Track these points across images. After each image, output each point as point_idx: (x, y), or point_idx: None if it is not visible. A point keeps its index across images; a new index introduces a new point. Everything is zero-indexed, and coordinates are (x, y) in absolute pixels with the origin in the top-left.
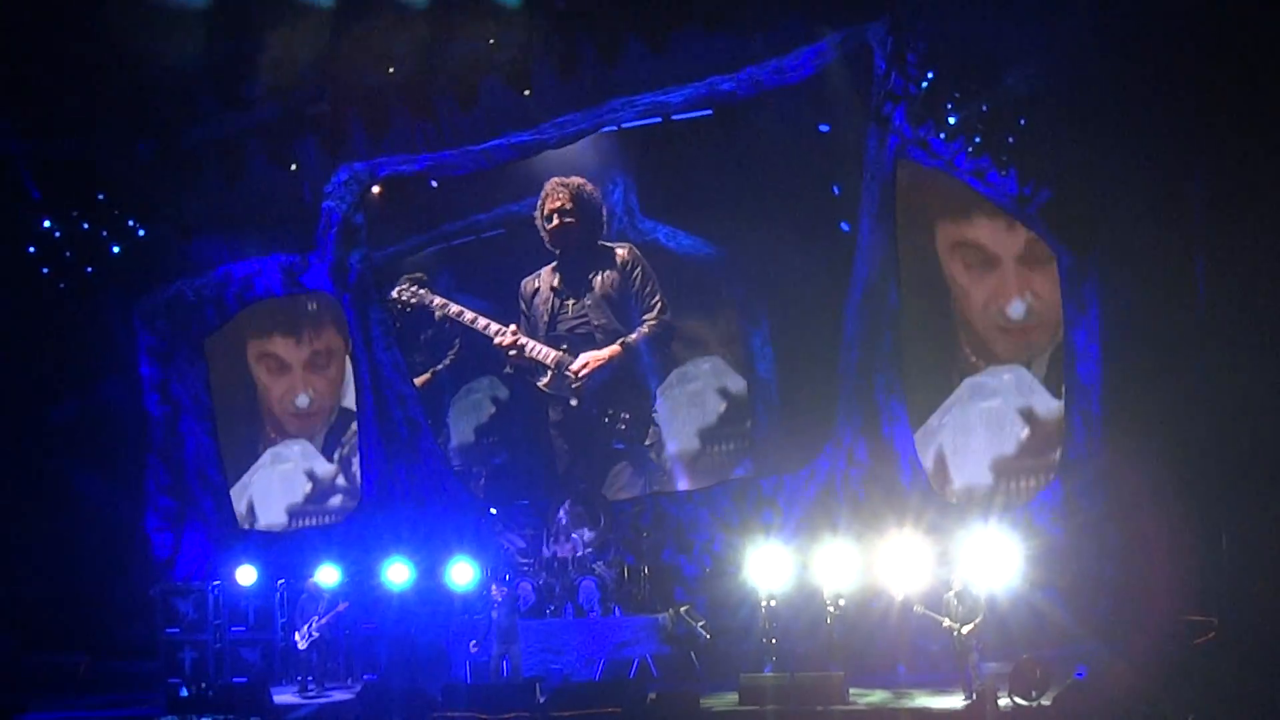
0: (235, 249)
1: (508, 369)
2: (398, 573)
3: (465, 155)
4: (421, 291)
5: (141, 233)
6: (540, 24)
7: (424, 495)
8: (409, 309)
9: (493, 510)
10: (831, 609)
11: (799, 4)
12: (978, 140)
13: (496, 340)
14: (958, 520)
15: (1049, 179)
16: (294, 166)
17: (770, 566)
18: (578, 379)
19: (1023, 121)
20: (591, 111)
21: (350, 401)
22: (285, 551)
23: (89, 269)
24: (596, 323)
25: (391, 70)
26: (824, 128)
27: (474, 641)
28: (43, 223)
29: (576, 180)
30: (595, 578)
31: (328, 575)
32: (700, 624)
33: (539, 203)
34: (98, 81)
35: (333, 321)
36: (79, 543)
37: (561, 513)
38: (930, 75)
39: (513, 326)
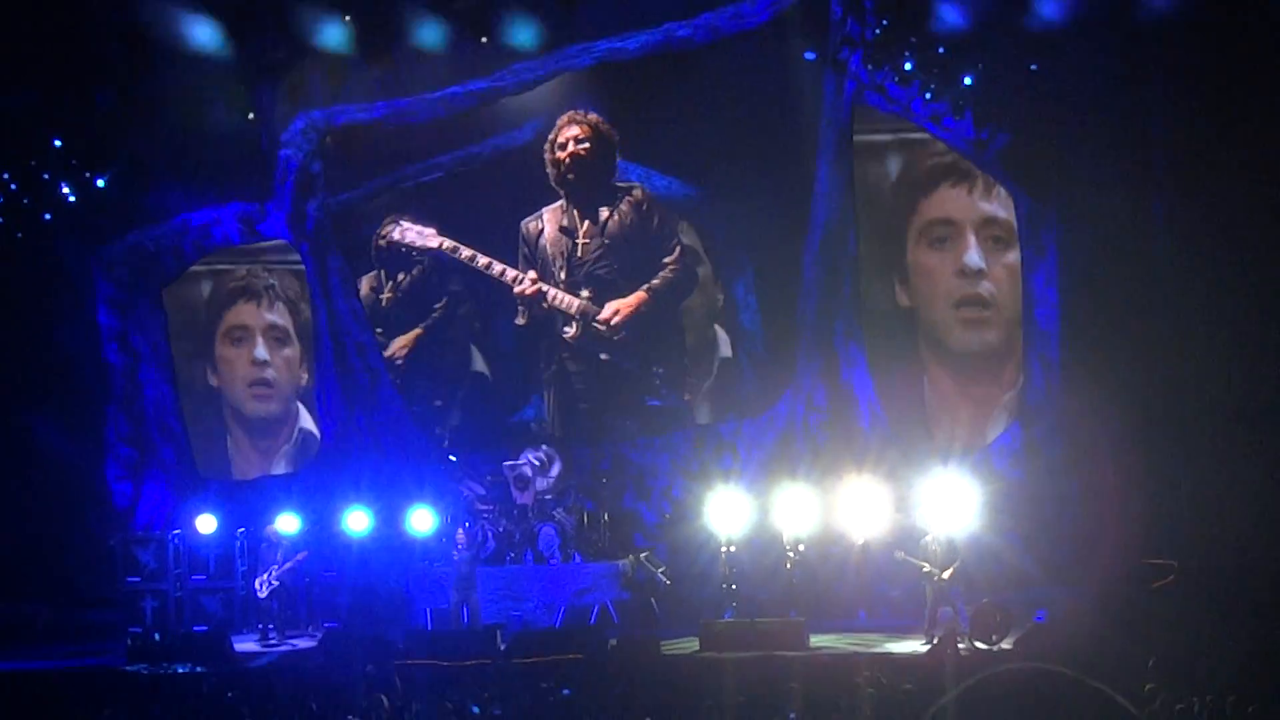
0: (193, 197)
1: (520, 320)
2: (357, 520)
3: (422, 103)
4: (428, 231)
5: (99, 182)
6: None
7: (384, 443)
8: (412, 251)
9: (453, 458)
10: (791, 554)
11: None
12: (934, 85)
13: (517, 288)
14: (917, 464)
15: (1006, 123)
16: (251, 115)
17: (730, 512)
18: (610, 329)
19: (980, 66)
20: (549, 57)
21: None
22: (245, 500)
23: (46, 216)
24: (616, 264)
25: (347, 18)
26: (810, 56)
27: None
28: (2, 174)
29: (594, 115)
30: (555, 524)
31: (287, 523)
32: (660, 570)
33: (551, 135)
34: (53, 31)
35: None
36: (38, 492)
37: (522, 459)
38: (886, 20)
39: (531, 273)
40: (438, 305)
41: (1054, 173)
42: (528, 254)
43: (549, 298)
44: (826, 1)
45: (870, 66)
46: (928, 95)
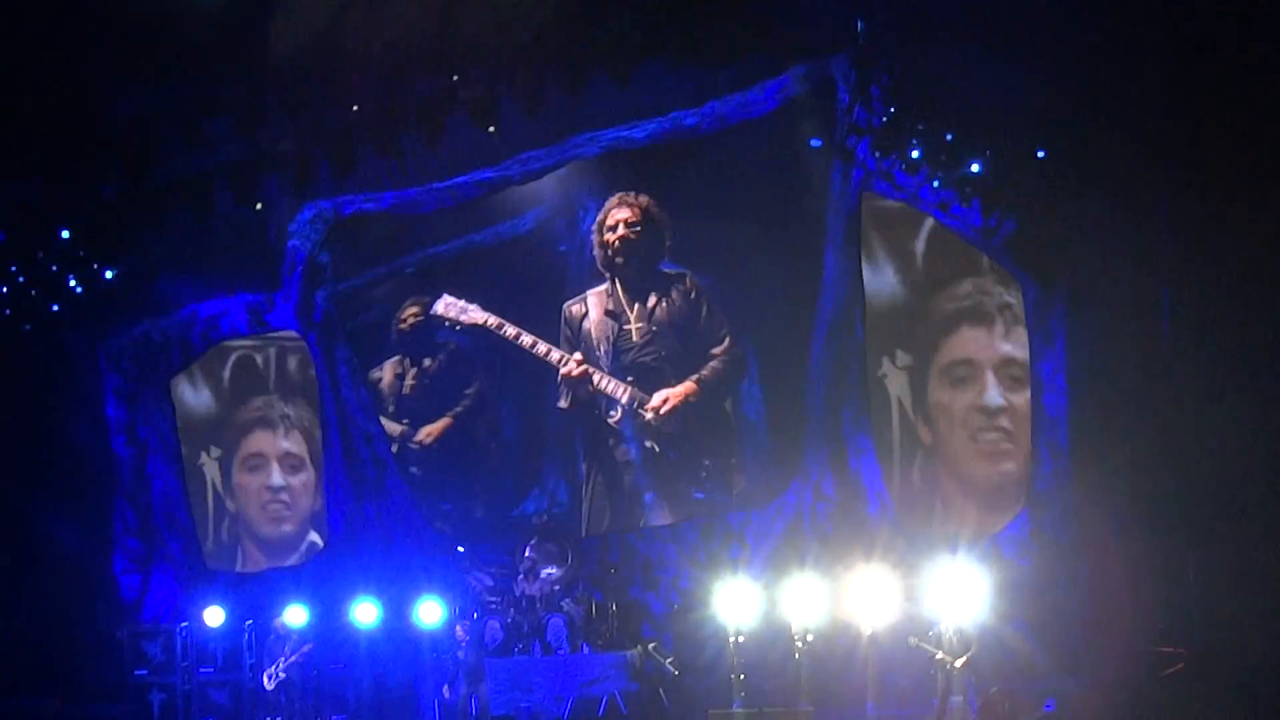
0: (201, 289)
1: (563, 403)
2: (365, 612)
3: (430, 193)
4: (473, 308)
5: (108, 274)
6: (505, 59)
7: (391, 534)
8: (457, 327)
9: (460, 549)
10: (799, 644)
11: (762, 37)
12: (941, 173)
13: (563, 369)
14: (926, 553)
15: (1013, 211)
16: (259, 205)
17: (738, 602)
18: (659, 418)
19: (987, 153)
20: (556, 147)
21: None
22: (253, 592)
23: (54, 308)
24: (664, 352)
25: (356, 108)
26: (816, 143)
27: (446, 685)
28: (10, 266)
29: (646, 198)
30: (563, 615)
31: (295, 615)
32: (668, 660)
33: (600, 216)
34: (61, 122)
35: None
36: (46, 585)
37: (529, 550)
38: (893, 108)
39: (577, 354)
40: (468, 391)
41: (1061, 260)
42: (570, 337)
43: (595, 381)
44: (834, 89)
45: (878, 154)
46: (935, 183)
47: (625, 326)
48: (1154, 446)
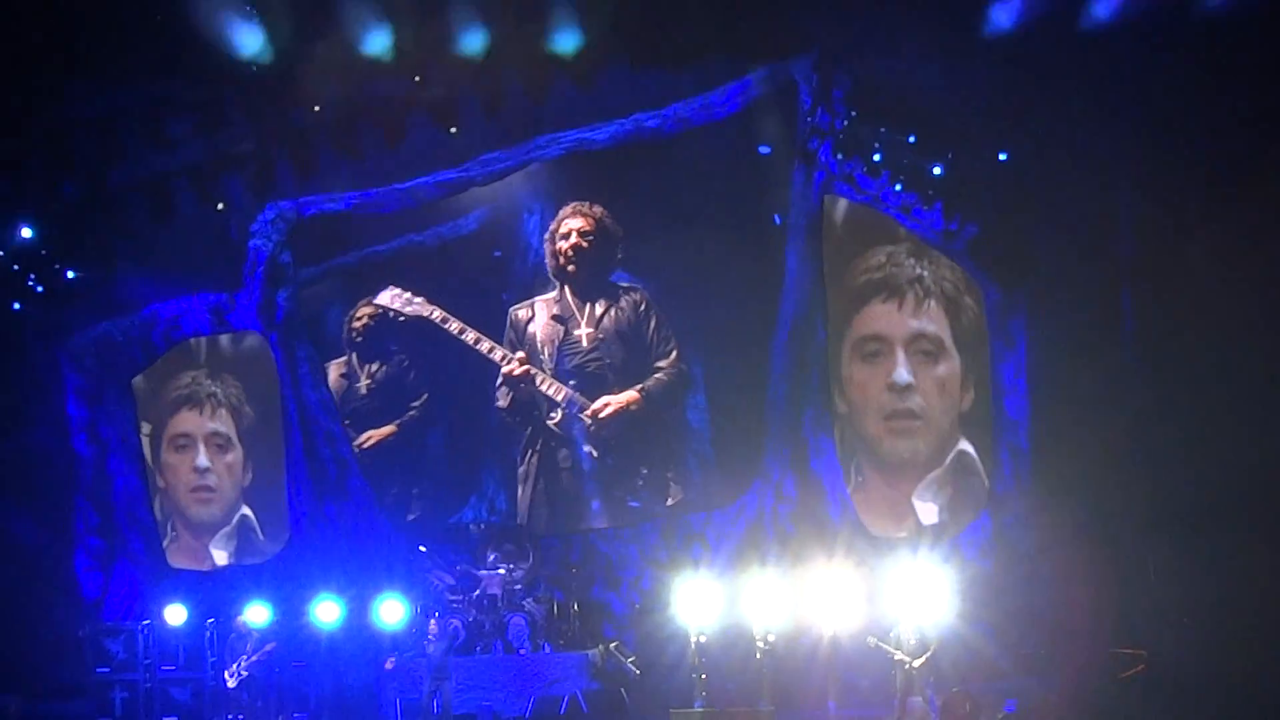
0: (162, 288)
1: (502, 402)
2: (327, 611)
3: (391, 194)
4: (418, 300)
5: (69, 274)
6: (466, 60)
7: (353, 533)
8: (400, 318)
9: (422, 548)
10: (761, 644)
11: (725, 40)
12: (904, 176)
13: (506, 368)
14: (887, 553)
15: (975, 214)
16: (221, 205)
17: (699, 602)
18: (597, 423)
19: (949, 156)
20: (518, 149)
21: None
22: (214, 590)
23: (15, 306)
24: (609, 360)
25: (318, 109)
26: (764, 149)
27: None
28: None
29: (600, 209)
30: (525, 614)
31: (257, 614)
32: (630, 660)
33: (553, 225)
34: (21, 122)
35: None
36: (7, 583)
37: (490, 549)
38: (855, 111)
39: (520, 354)
40: (415, 404)
41: (1023, 263)
42: (514, 340)
43: (537, 381)
44: (796, 92)
45: (840, 156)
46: (898, 186)
47: (574, 332)
48: (1114, 449)
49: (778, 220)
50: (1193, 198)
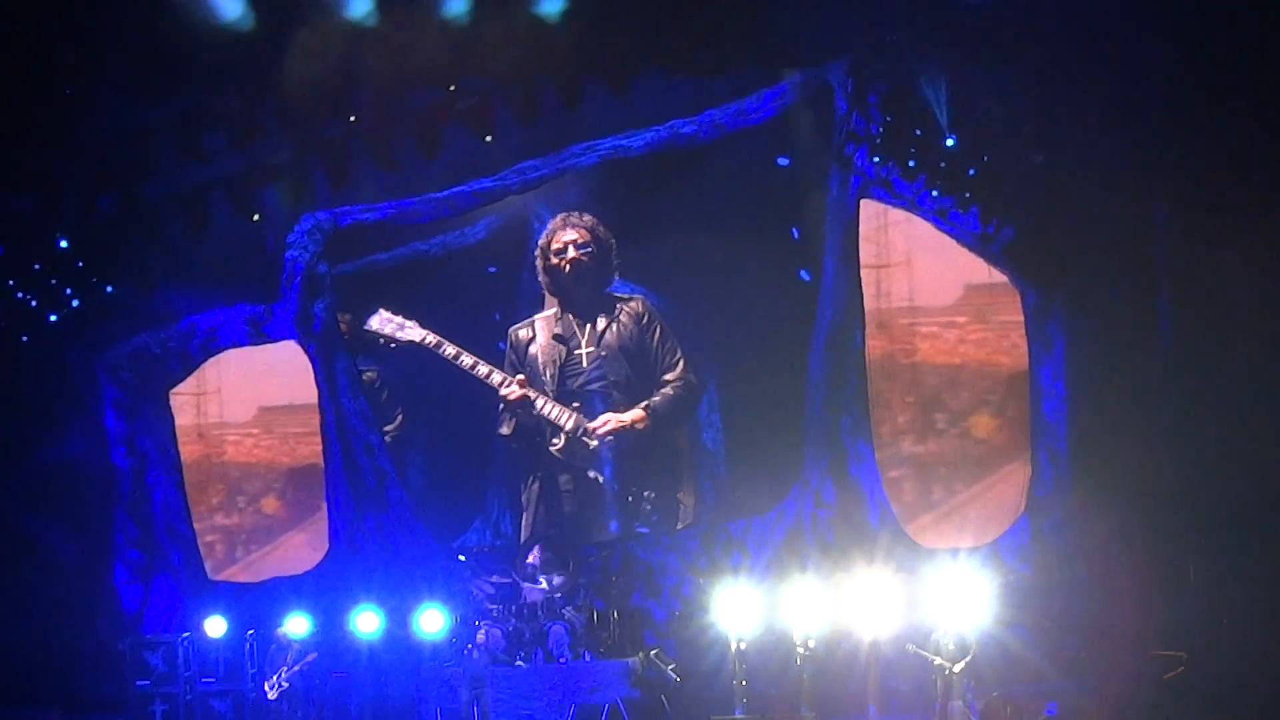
0: (199, 301)
1: (505, 430)
2: (367, 621)
3: (427, 203)
4: (410, 324)
5: (106, 287)
6: (500, 69)
7: (392, 543)
8: (393, 344)
9: (461, 557)
10: (801, 650)
11: (759, 45)
12: (940, 180)
13: (504, 392)
14: (927, 559)
15: (1012, 217)
16: (256, 217)
17: (739, 609)
18: (596, 439)
19: (985, 159)
20: (553, 157)
21: None
22: (254, 602)
23: (52, 318)
24: (613, 378)
25: (353, 119)
26: (783, 161)
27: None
28: (8, 279)
29: (590, 218)
30: (565, 623)
31: (297, 625)
32: (670, 667)
33: (543, 240)
34: (58, 135)
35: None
36: (46, 597)
37: (531, 557)
38: (890, 115)
39: (520, 377)
40: (389, 427)
41: (1060, 266)
42: (515, 362)
43: (537, 405)
44: (832, 97)
45: (876, 160)
46: (934, 190)
47: (575, 351)
48: (1153, 451)
49: (795, 235)
50: (1230, 200)
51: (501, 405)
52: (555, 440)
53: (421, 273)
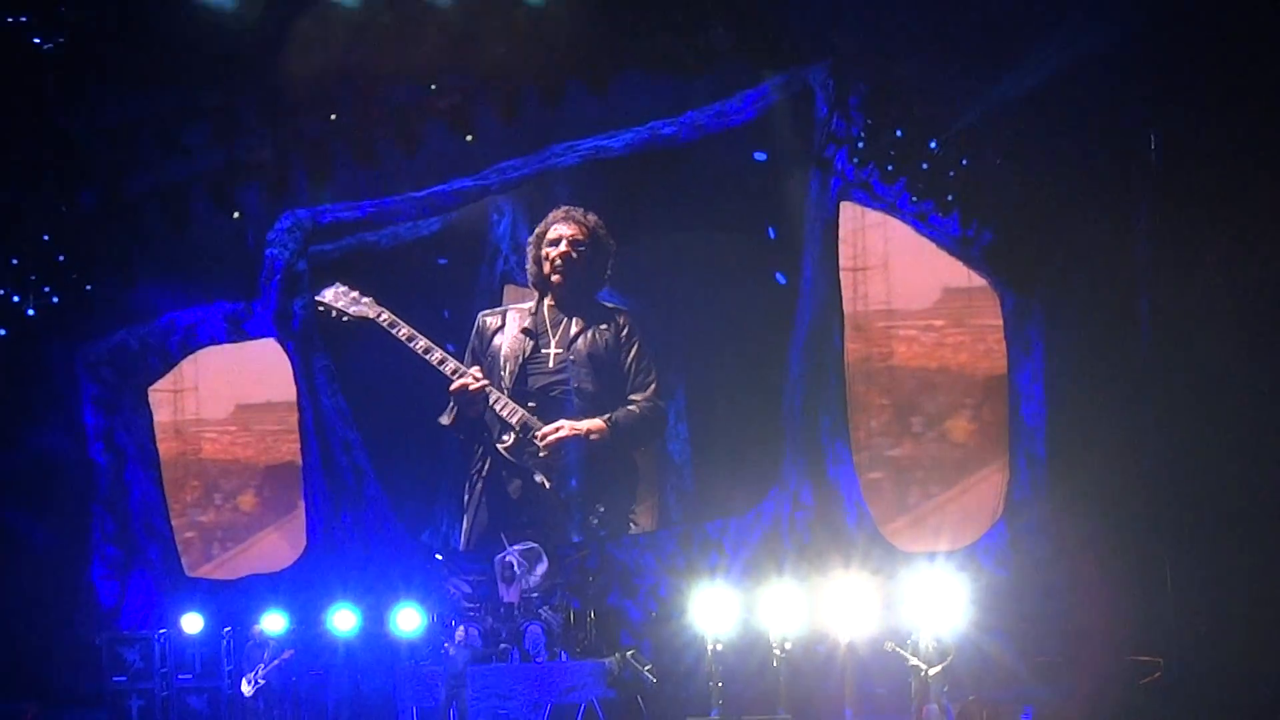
0: (179, 297)
1: (445, 419)
2: (344, 619)
3: (408, 202)
4: (365, 300)
5: (88, 285)
6: (480, 68)
7: (370, 541)
8: (344, 318)
9: (439, 556)
10: (778, 652)
11: (740, 47)
12: (920, 183)
13: (459, 381)
14: (904, 562)
15: (991, 220)
16: (237, 214)
17: (716, 610)
18: (544, 446)
19: (965, 162)
20: (534, 156)
21: None
22: (231, 599)
23: (30, 312)
24: (577, 384)
25: (334, 117)
26: (760, 156)
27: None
28: None
29: (594, 217)
30: (541, 623)
31: (274, 622)
32: (646, 668)
33: (540, 228)
34: (38, 130)
35: None
36: (23, 591)
37: (507, 557)
38: (871, 118)
39: (476, 368)
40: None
41: (1039, 269)
42: (477, 348)
43: (491, 399)
44: (812, 99)
45: (856, 163)
46: (914, 193)
47: (543, 350)
48: (1132, 456)
49: (772, 234)
50: (1211, 203)
51: (450, 393)
52: (505, 438)
53: (367, 264)
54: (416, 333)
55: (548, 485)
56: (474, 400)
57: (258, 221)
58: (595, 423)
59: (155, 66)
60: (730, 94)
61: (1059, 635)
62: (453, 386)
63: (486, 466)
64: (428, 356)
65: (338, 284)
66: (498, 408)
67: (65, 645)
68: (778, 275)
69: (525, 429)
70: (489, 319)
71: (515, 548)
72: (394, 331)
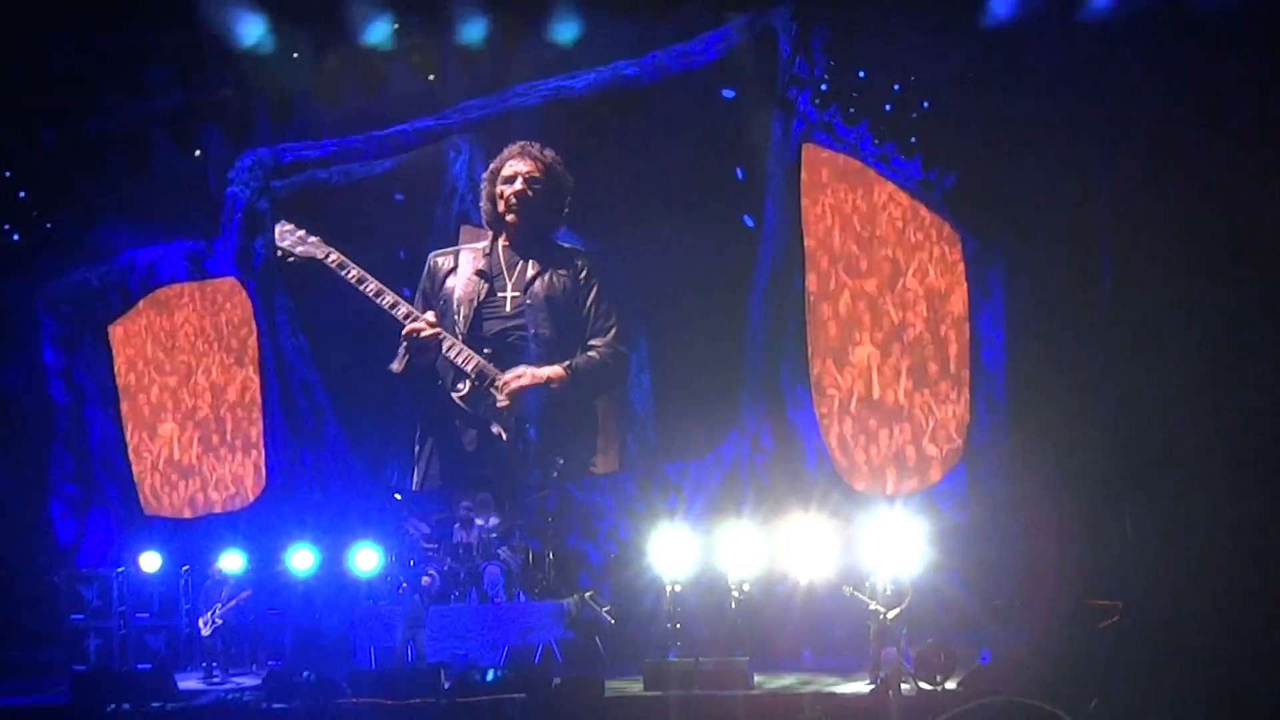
0: (139, 235)
1: (396, 366)
2: (302, 559)
3: (369, 141)
4: (313, 240)
5: (48, 223)
6: (445, 8)
7: (329, 481)
8: (289, 259)
9: (397, 496)
10: (736, 594)
11: None
12: (883, 125)
13: (411, 326)
14: (862, 505)
15: (954, 163)
16: (198, 153)
17: (675, 552)
18: (505, 395)
19: (926, 105)
20: (495, 96)
21: None
22: (189, 538)
23: None
24: (535, 329)
25: (296, 56)
26: (728, 93)
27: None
28: None
29: (551, 153)
30: (500, 563)
31: (232, 561)
32: (605, 609)
33: (494, 164)
34: None
35: None
36: None
37: (465, 498)
38: (834, 60)
39: (430, 314)
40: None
41: (1001, 212)
42: (429, 291)
43: (444, 345)
44: (775, 41)
45: (818, 104)
46: (876, 135)
47: (498, 294)
48: (1091, 400)
49: (740, 175)
50: (1170, 144)
51: (401, 339)
52: (460, 386)
53: (318, 203)
54: (367, 275)
55: (504, 437)
56: (427, 346)
57: (219, 160)
58: (555, 370)
59: (117, 6)
60: (693, 35)
61: (1017, 578)
62: (404, 331)
63: (439, 417)
64: (379, 300)
65: (282, 221)
66: (451, 354)
67: (22, 583)
68: (745, 218)
69: (481, 377)
70: (441, 259)
71: (466, 503)
72: (343, 273)
